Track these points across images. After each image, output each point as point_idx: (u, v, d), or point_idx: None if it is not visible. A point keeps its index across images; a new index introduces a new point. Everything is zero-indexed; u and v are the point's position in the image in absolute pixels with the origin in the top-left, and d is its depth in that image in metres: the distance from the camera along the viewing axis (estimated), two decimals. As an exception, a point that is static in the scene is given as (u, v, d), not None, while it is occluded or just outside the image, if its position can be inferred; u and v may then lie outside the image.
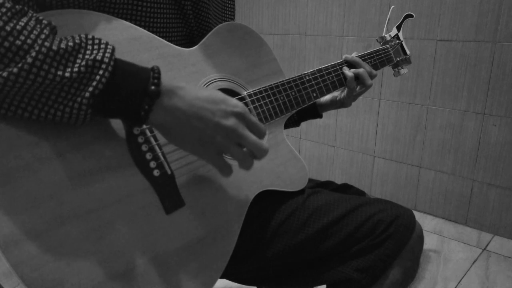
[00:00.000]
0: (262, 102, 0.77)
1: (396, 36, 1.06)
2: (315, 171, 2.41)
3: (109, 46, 0.51)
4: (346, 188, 0.93)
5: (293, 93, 0.82)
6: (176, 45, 0.69)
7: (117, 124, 0.57)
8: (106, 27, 0.59)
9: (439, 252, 1.71)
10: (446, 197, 1.96)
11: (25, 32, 0.45)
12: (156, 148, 0.60)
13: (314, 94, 0.85)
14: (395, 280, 0.75)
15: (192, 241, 0.62)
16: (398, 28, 1.07)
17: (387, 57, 1.02)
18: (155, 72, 0.52)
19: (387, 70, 1.03)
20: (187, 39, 0.76)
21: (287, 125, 0.94)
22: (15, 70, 0.44)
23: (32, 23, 0.46)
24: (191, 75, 0.69)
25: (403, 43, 1.07)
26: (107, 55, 0.50)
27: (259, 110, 0.76)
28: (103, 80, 0.49)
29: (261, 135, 0.59)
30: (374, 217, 0.75)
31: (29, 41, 0.45)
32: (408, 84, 1.96)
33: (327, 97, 0.99)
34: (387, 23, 1.07)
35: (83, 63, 0.48)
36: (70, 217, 0.51)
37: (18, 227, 0.47)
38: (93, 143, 0.54)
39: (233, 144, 0.57)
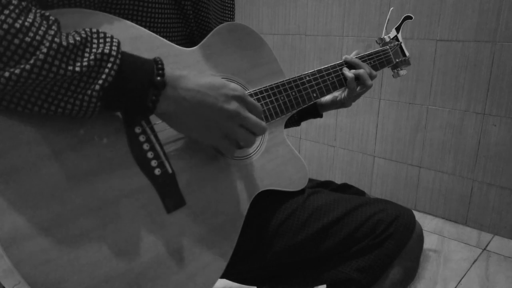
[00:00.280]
0: (262, 102, 0.77)
1: (396, 38, 1.07)
2: (315, 171, 2.42)
3: (114, 40, 0.52)
4: (346, 188, 0.93)
5: (293, 93, 0.82)
6: (177, 45, 0.69)
7: (118, 123, 0.57)
8: (108, 26, 0.59)
9: (439, 252, 1.72)
10: (446, 197, 1.96)
11: (34, 29, 0.46)
12: (157, 147, 0.60)
13: (314, 95, 0.85)
14: (395, 280, 0.75)
15: (193, 240, 0.62)
16: (398, 29, 1.07)
17: (387, 58, 1.03)
18: (159, 63, 0.54)
19: (387, 70, 1.03)
20: (188, 39, 0.76)
21: (287, 125, 0.94)
22: (27, 67, 0.45)
23: (38, 19, 0.47)
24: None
25: (402, 45, 1.07)
26: (114, 48, 0.50)
27: (263, 116, 0.76)
28: (112, 73, 0.50)
29: (259, 114, 0.64)
30: (374, 217, 0.75)
31: (38, 37, 0.46)
32: (408, 84, 1.96)
33: (327, 97, 1.00)
34: (387, 24, 1.07)
35: (92, 57, 0.49)
36: (72, 215, 0.51)
37: (20, 226, 0.47)
38: (94, 142, 0.55)
39: (236, 125, 0.61)
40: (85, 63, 0.48)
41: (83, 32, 0.50)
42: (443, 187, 1.96)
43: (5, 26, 0.44)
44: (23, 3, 0.46)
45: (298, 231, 0.74)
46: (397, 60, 1.06)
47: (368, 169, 2.20)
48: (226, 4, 0.86)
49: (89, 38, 0.50)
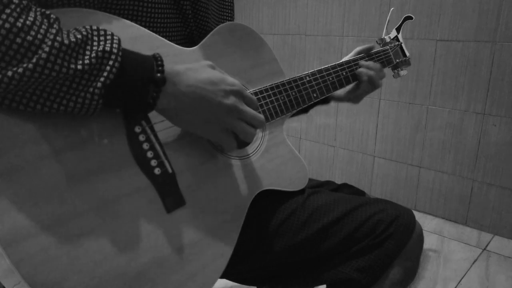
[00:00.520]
0: (262, 102, 0.77)
1: (396, 38, 1.07)
2: (315, 171, 2.42)
3: (115, 37, 0.52)
4: (346, 188, 0.93)
5: (293, 93, 0.82)
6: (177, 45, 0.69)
7: (117, 123, 0.57)
8: (107, 26, 0.59)
9: (439, 252, 1.72)
10: (446, 197, 1.96)
11: (35, 27, 0.46)
12: (157, 146, 0.60)
13: (314, 95, 0.86)
14: (395, 280, 0.75)
15: (193, 240, 0.62)
16: (398, 29, 1.07)
17: (387, 58, 1.03)
18: (158, 60, 0.55)
19: (387, 70, 1.03)
20: (187, 40, 0.76)
21: (295, 113, 0.94)
22: (30, 65, 0.45)
23: (39, 18, 0.47)
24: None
25: (403, 45, 1.07)
26: (115, 45, 0.51)
27: (260, 110, 0.77)
28: (114, 70, 0.50)
29: (256, 107, 0.66)
30: (374, 217, 0.75)
31: (39, 36, 0.46)
32: (408, 84, 1.96)
33: (340, 91, 1.00)
34: (387, 24, 1.07)
35: (93, 54, 0.49)
36: (71, 215, 0.51)
37: (20, 225, 0.47)
38: (94, 141, 0.55)
39: (235, 119, 0.62)
40: (86, 61, 0.48)
41: (83, 29, 0.50)
42: (443, 187, 1.96)
43: (7, 25, 0.44)
44: (24, 2, 0.46)
45: (298, 231, 0.74)
46: (398, 60, 1.06)
47: (368, 169, 2.20)
48: (226, 4, 0.86)
49: (89, 36, 0.50)
